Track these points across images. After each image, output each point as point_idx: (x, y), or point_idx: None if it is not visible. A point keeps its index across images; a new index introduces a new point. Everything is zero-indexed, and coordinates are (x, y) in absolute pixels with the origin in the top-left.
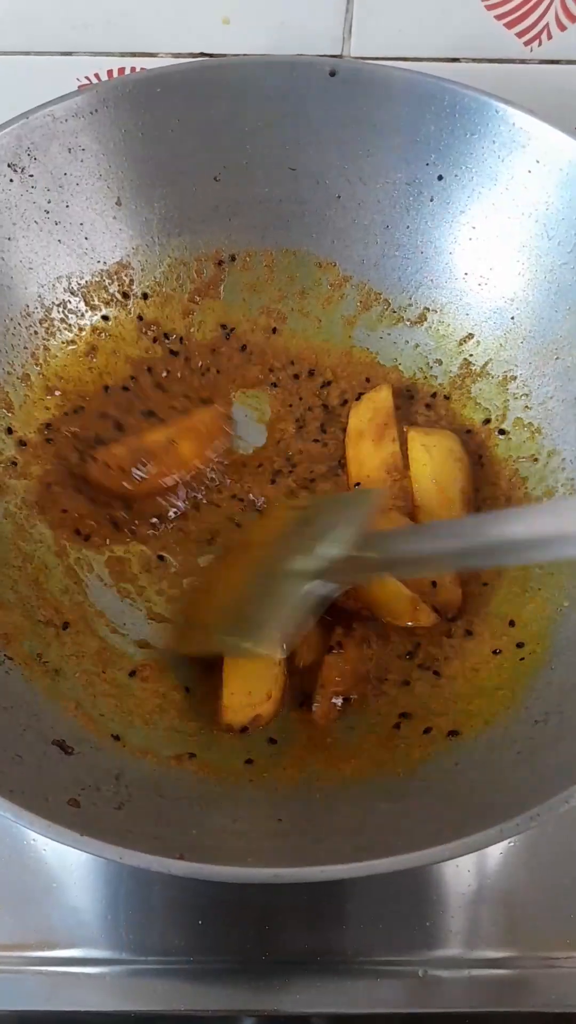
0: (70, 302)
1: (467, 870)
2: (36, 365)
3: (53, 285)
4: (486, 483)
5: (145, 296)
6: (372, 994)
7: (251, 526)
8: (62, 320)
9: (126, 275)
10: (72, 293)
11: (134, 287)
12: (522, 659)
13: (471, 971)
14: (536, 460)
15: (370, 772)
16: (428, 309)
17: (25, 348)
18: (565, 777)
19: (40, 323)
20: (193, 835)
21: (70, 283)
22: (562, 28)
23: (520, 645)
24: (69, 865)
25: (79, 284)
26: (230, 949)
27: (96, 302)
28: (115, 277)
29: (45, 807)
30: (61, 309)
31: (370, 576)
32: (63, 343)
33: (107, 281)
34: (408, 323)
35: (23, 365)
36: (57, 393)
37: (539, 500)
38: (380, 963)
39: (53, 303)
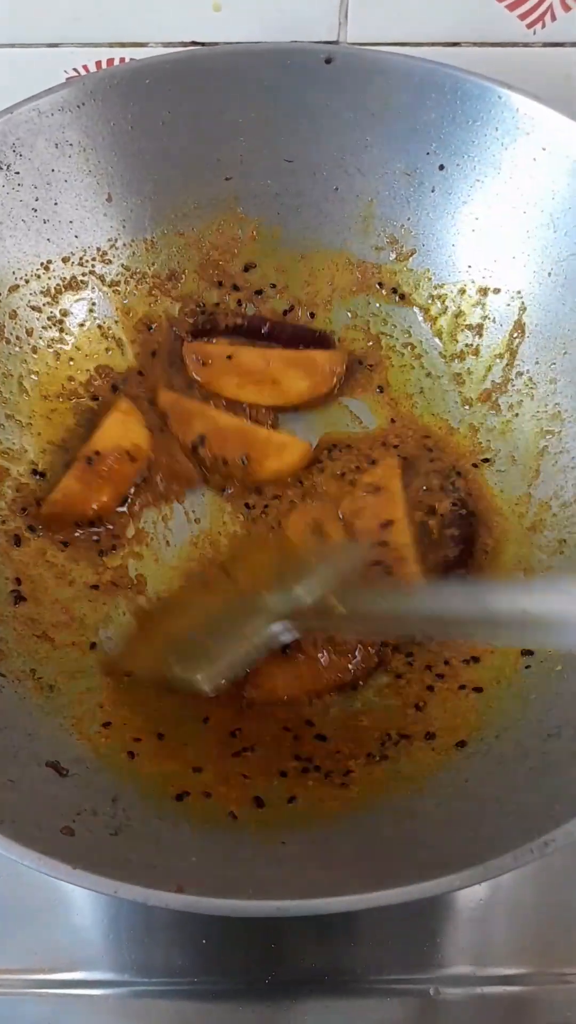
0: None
1: (477, 886)
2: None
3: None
4: None
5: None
6: (382, 1013)
7: (232, 549)
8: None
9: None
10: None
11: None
12: (528, 667)
13: (482, 988)
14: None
15: (377, 790)
16: (432, 303)
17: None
18: None
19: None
20: (192, 862)
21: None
22: (566, 9)
23: (527, 653)
24: (69, 885)
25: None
26: (235, 969)
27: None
28: (108, 273)
29: (37, 837)
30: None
31: (332, 627)
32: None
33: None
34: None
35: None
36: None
37: (546, 500)
38: (390, 982)
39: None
